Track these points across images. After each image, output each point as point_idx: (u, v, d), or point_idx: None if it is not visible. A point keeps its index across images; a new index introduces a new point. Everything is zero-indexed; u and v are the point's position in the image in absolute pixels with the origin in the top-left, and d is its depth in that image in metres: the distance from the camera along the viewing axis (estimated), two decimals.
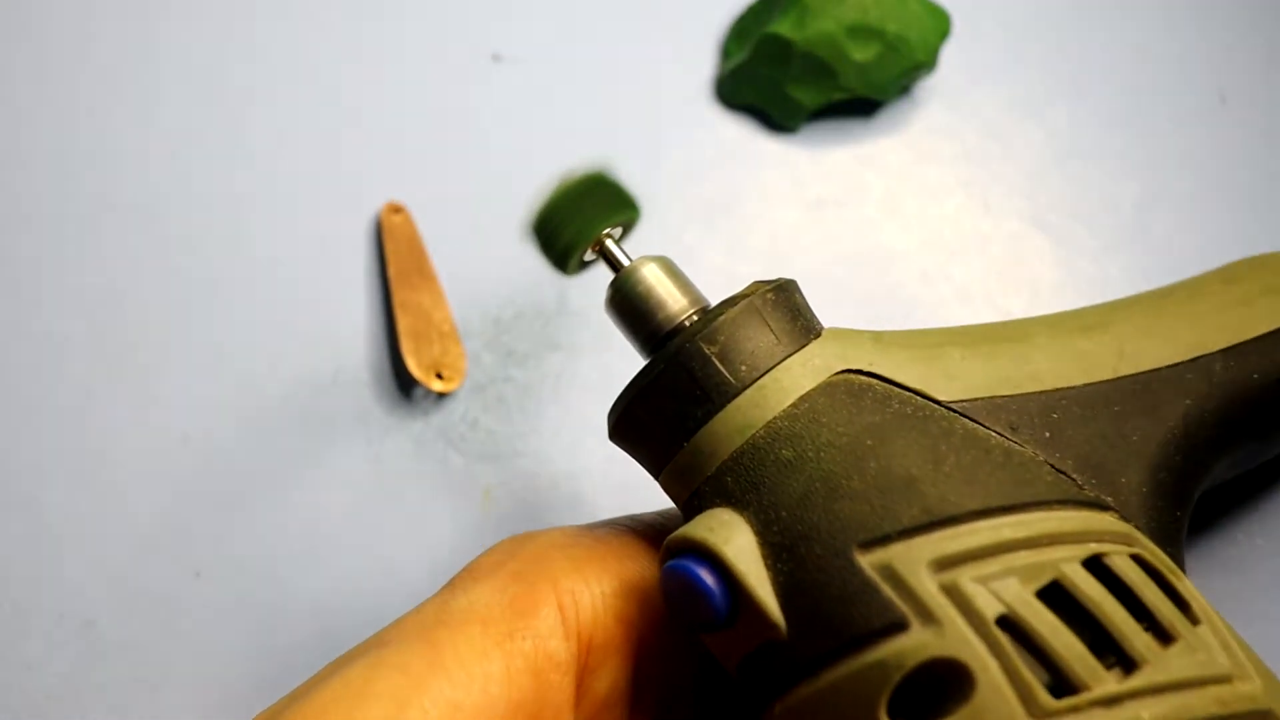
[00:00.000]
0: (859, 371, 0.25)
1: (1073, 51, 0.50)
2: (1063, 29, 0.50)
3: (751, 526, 0.24)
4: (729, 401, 0.25)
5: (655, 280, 0.27)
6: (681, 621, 0.25)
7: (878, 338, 0.26)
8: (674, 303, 0.27)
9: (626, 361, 0.43)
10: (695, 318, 0.27)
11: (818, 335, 0.26)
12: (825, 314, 0.45)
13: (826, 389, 0.25)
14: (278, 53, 0.49)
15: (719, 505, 0.25)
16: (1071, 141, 0.48)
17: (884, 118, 0.48)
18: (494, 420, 0.42)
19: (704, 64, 0.49)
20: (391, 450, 0.42)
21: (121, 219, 0.46)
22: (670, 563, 0.24)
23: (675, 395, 0.26)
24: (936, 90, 0.48)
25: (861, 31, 0.45)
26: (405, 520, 0.41)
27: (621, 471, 0.42)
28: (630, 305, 0.28)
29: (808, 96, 0.46)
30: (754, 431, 0.25)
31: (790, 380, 0.25)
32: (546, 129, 0.47)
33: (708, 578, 0.23)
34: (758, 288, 0.27)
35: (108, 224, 0.46)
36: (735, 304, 0.26)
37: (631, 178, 0.45)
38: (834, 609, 0.23)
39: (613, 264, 0.29)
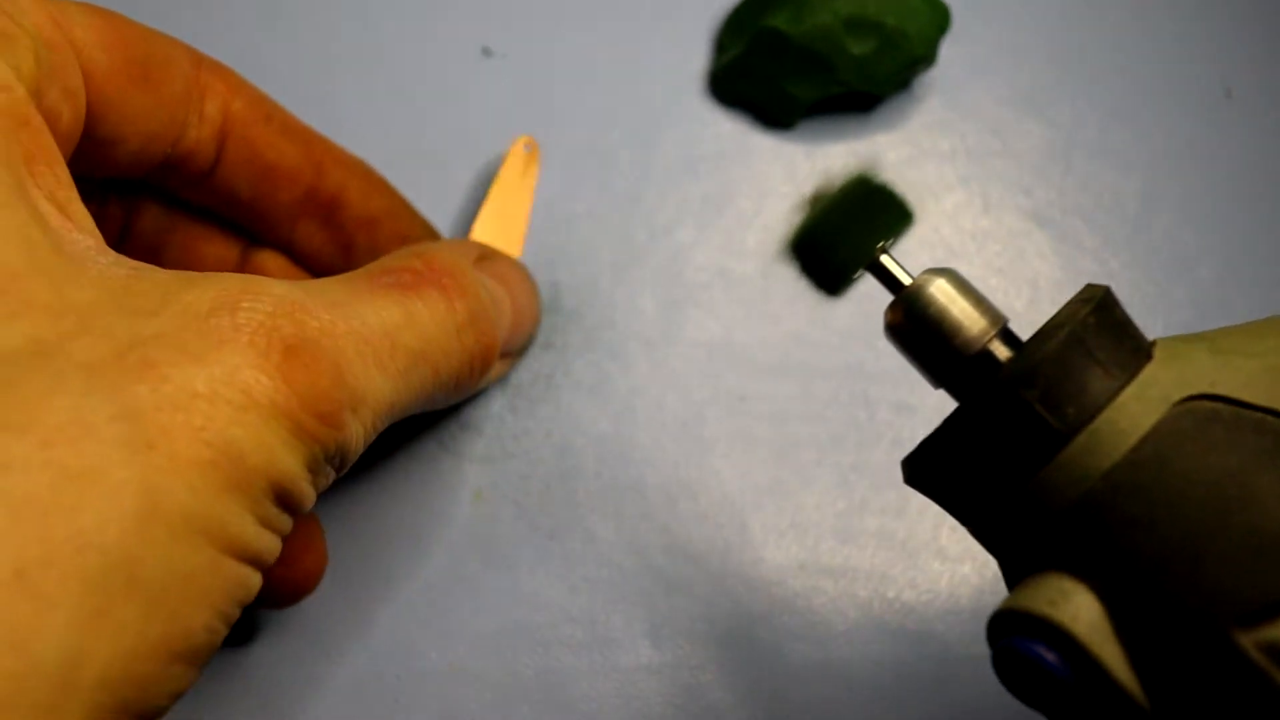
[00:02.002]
0: (1202, 396, 0.22)
1: (1075, 45, 0.49)
2: (1065, 22, 0.50)
3: (1096, 595, 0.21)
4: (1057, 453, 0.22)
5: (948, 299, 0.24)
6: (1022, 699, 0.22)
7: (1213, 345, 0.23)
8: (972, 324, 0.24)
9: (619, 362, 0.42)
10: (997, 340, 0.24)
11: (1149, 355, 0.23)
12: (821, 314, 0.45)
13: (1169, 425, 0.22)
14: (257, 47, 0.48)
15: (1053, 570, 0.22)
16: (1073, 137, 0.47)
17: (882, 113, 0.47)
18: (484, 421, 0.42)
19: (697, 58, 0.48)
20: (380, 450, 0.41)
21: None
22: (1008, 641, 0.22)
23: (992, 448, 0.23)
24: (936, 85, 0.48)
25: (859, 25, 0.44)
26: (394, 521, 0.40)
27: (611, 473, 0.42)
28: (921, 330, 0.24)
29: (804, 91, 0.45)
30: (1090, 484, 0.22)
31: (1127, 420, 0.22)
32: (535, 124, 0.47)
33: (1051, 657, 0.21)
34: (1076, 311, 0.23)
35: None
36: (1052, 335, 0.22)
37: (622, 174, 0.46)
38: (1213, 700, 0.20)
39: (891, 282, 0.25)
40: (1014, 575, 0.23)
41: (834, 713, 0.39)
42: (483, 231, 0.41)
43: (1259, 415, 0.21)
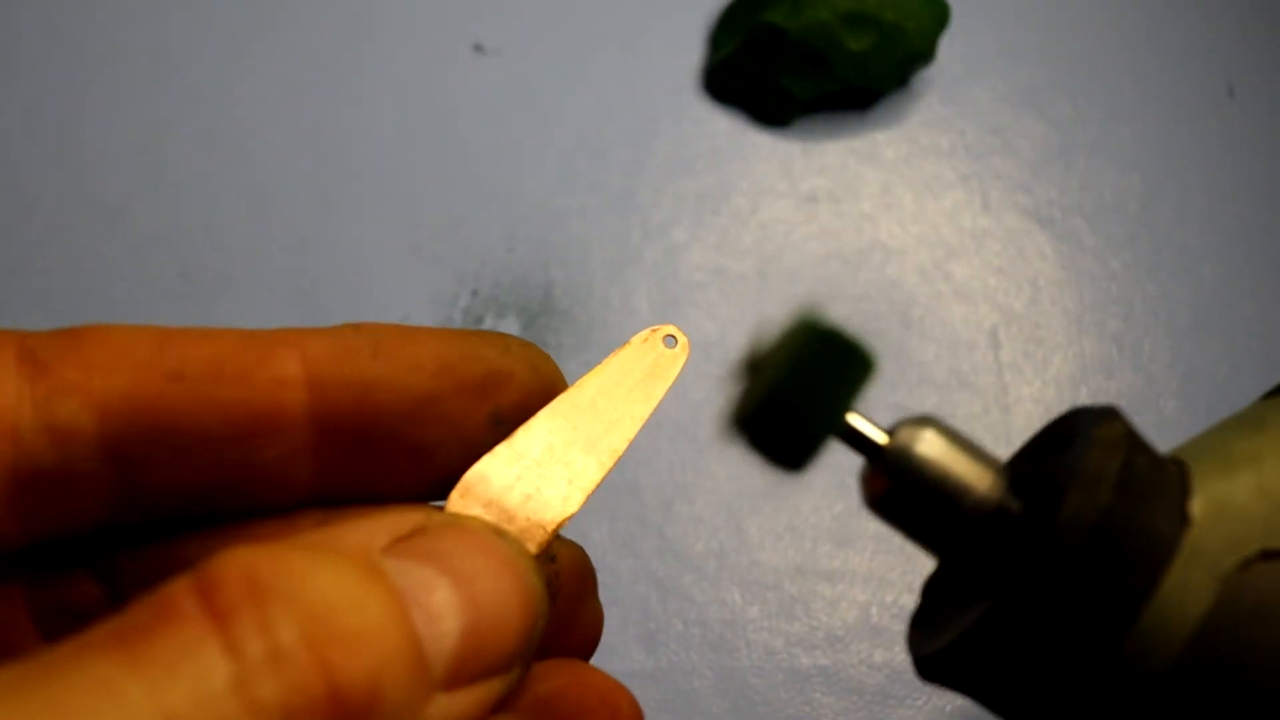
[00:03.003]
0: (1259, 556, 0.19)
1: (1076, 42, 0.49)
2: (1066, 19, 0.50)
3: None
4: (1139, 615, 0.19)
5: (944, 455, 0.20)
6: None
7: (1258, 477, 0.19)
8: (979, 480, 0.20)
9: None
10: (1007, 495, 0.20)
11: (1184, 511, 0.19)
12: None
13: (1227, 606, 0.18)
14: (243, 48, 0.48)
15: None
16: (1074, 134, 0.47)
17: (880, 110, 0.47)
18: None
19: (693, 54, 0.48)
20: None
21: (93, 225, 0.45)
22: None
23: (1063, 622, 0.19)
24: (935, 81, 0.48)
25: (857, 20, 0.44)
26: None
27: None
28: (919, 498, 0.20)
29: (801, 88, 0.45)
30: (1179, 649, 0.19)
31: (1174, 610, 0.18)
32: (529, 122, 0.47)
33: None
34: (1095, 467, 0.19)
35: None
36: (1070, 491, 0.19)
37: (616, 172, 0.46)
38: None
39: (865, 445, 0.21)
40: None
41: (832, 718, 0.39)
42: (551, 426, 0.26)
43: None
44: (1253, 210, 0.46)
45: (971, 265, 0.45)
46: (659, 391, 0.25)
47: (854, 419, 0.20)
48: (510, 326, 0.43)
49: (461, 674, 0.19)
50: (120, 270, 0.44)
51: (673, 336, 0.26)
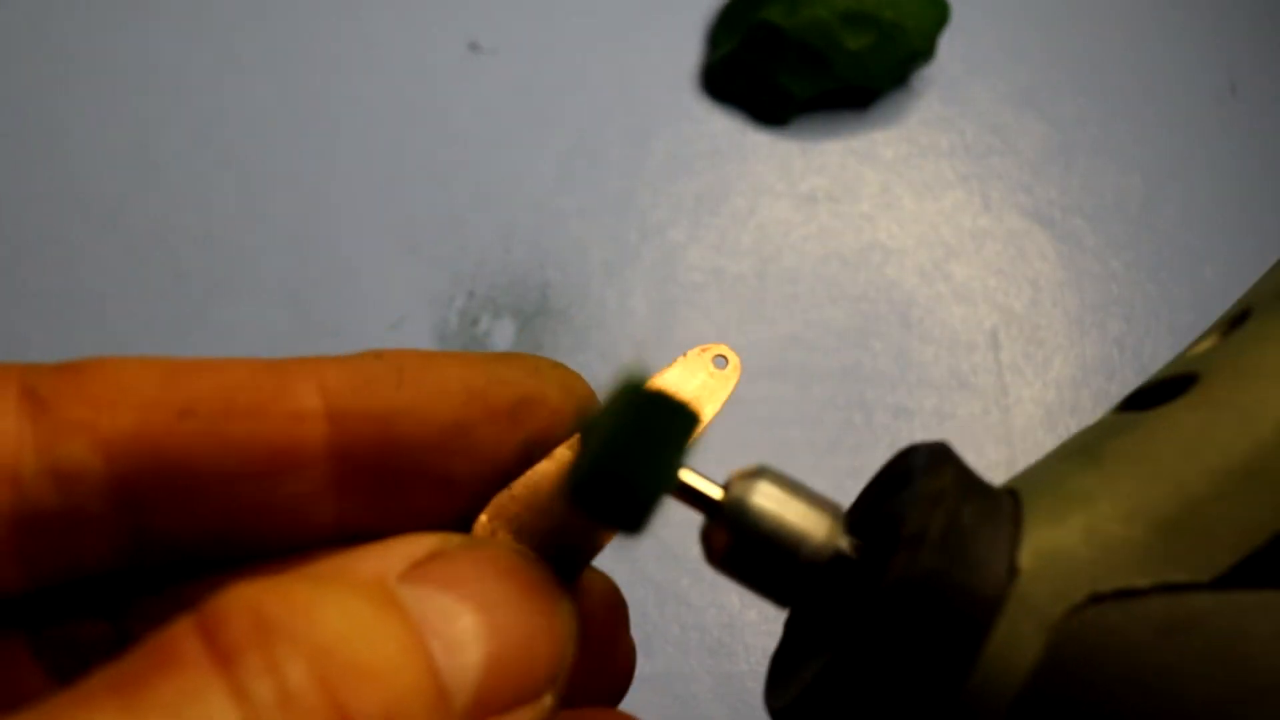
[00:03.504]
0: (1087, 603, 0.19)
1: (1077, 40, 0.49)
2: (1066, 17, 0.50)
3: None
4: (939, 713, 0.19)
5: (779, 505, 0.20)
6: None
7: (1087, 520, 0.19)
8: (815, 528, 0.20)
9: (608, 364, 0.42)
10: (844, 537, 0.20)
11: (1012, 562, 0.19)
12: (818, 314, 0.45)
13: (1057, 653, 0.18)
14: (244, 46, 0.48)
15: None
16: (1075, 133, 0.48)
17: (879, 109, 0.47)
18: None
19: (690, 53, 0.48)
20: None
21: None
22: None
23: (906, 666, 0.19)
24: (934, 80, 0.48)
25: (856, 18, 0.44)
26: None
27: None
28: (757, 552, 0.20)
29: (800, 87, 0.45)
30: (1018, 689, 0.19)
31: (1004, 662, 0.19)
32: (525, 121, 0.47)
33: None
34: (917, 525, 0.19)
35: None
36: (895, 552, 0.19)
37: (613, 172, 0.45)
38: None
39: (701, 501, 0.21)
40: None
41: None
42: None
43: (1147, 602, 0.19)
44: (1256, 210, 0.46)
45: (971, 266, 0.45)
46: (707, 415, 0.23)
47: (686, 476, 0.20)
48: (506, 328, 0.43)
49: (488, 705, 0.18)
50: (113, 273, 0.44)
51: (723, 357, 0.24)
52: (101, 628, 0.21)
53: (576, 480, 0.20)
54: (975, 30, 0.48)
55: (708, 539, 0.20)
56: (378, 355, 0.21)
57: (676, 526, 0.40)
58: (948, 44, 0.47)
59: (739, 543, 0.20)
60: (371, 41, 0.48)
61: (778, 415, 0.42)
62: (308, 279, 0.44)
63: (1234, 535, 0.19)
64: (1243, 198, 0.46)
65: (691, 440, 0.20)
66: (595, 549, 0.21)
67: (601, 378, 0.44)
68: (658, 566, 0.40)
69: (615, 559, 0.40)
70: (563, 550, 0.21)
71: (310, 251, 0.45)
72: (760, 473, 0.20)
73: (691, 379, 0.24)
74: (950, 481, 0.19)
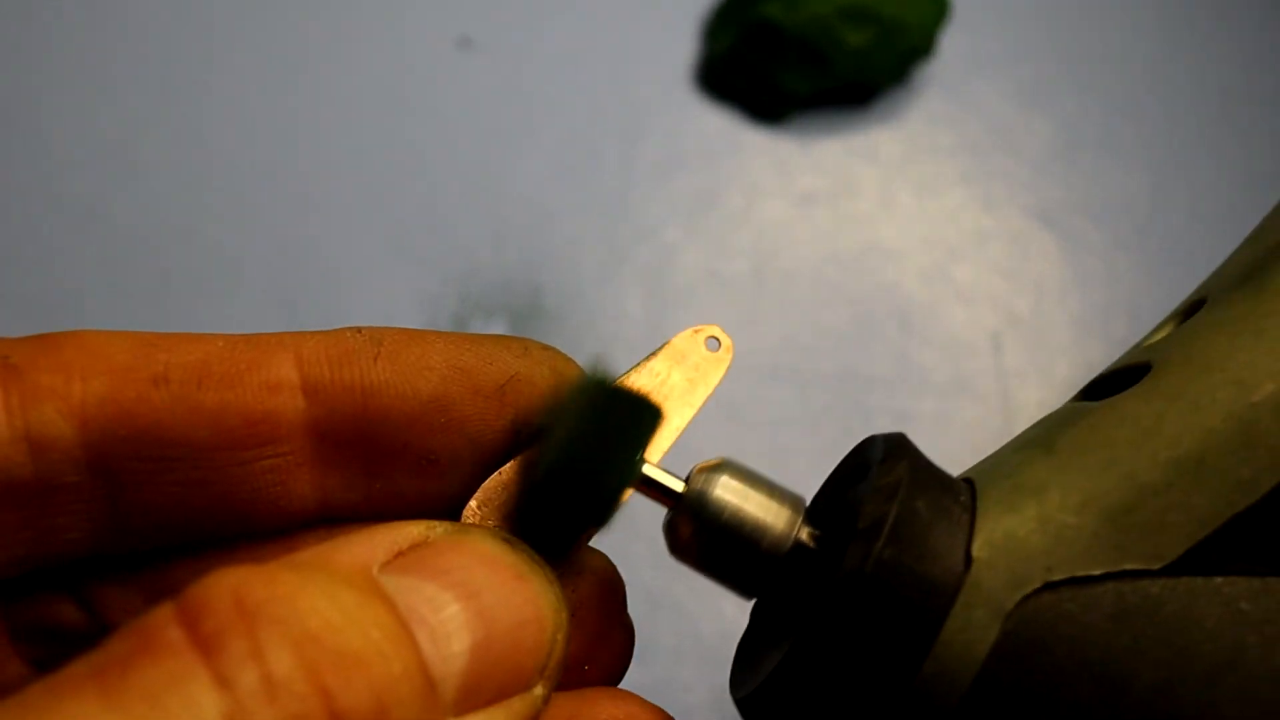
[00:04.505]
0: (1040, 590, 0.19)
1: (1080, 38, 0.49)
2: (1069, 13, 0.50)
3: None
4: (933, 644, 0.19)
5: (740, 497, 0.21)
6: None
7: (1041, 502, 0.20)
8: (776, 519, 0.21)
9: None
10: (805, 528, 0.21)
11: (967, 551, 0.20)
12: (816, 317, 0.44)
13: (1011, 640, 0.19)
14: (229, 42, 0.48)
15: None
16: (1079, 131, 0.48)
17: (879, 107, 0.48)
18: None
19: (686, 48, 0.48)
20: None
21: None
22: None
23: (862, 656, 0.20)
24: (935, 78, 0.48)
25: (856, 14, 0.44)
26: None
27: None
28: (719, 542, 0.21)
29: (798, 83, 0.46)
30: (972, 677, 0.19)
31: (959, 649, 0.19)
32: (517, 118, 0.47)
33: None
34: (872, 516, 0.20)
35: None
36: (851, 542, 0.20)
37: (607, 170, 0.45)
38: None
39: (663, 492, 0.21)
40: None
41: None
42: None
43: (1100, 589, 0.19)
44: (1258, 205, 0.46)
45: (973, 267, 0.45)
46: (699, 398, 0.24)
47: (649, 469, 0.21)
48: (498, 329, 0.43)
49: (476, 695, 0.18)
50: (94, 273, 0.44)
51: (715, 339, 0.24)
52: (80, 615, 0.21)
53: (538, 474, 0.20)
54: (977, 26, 0.49)
55: (671, 530, 0.21)
56: (358, 330, 0.21)
57: None
58: (949, 40, 0.48)
59: (701, 534, 0.21)
60: (359, 37, 0.48)
61: (775, 419, 0.42)
62: (295, 279, 0.44)
63: (1184, 524, 0.19)
64: (1251, 197, 0.46)
65: (652, 434, 0.21)
66: (587, 534, 0.21)
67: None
68: (653, 574, 0.40)
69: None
70: (554, 535, 0.21)
71: (298, 251, 0.45)
72: (723, 466, 0.21)
73: (683, 361, 0.24)
74: (905, 473, 0.20)
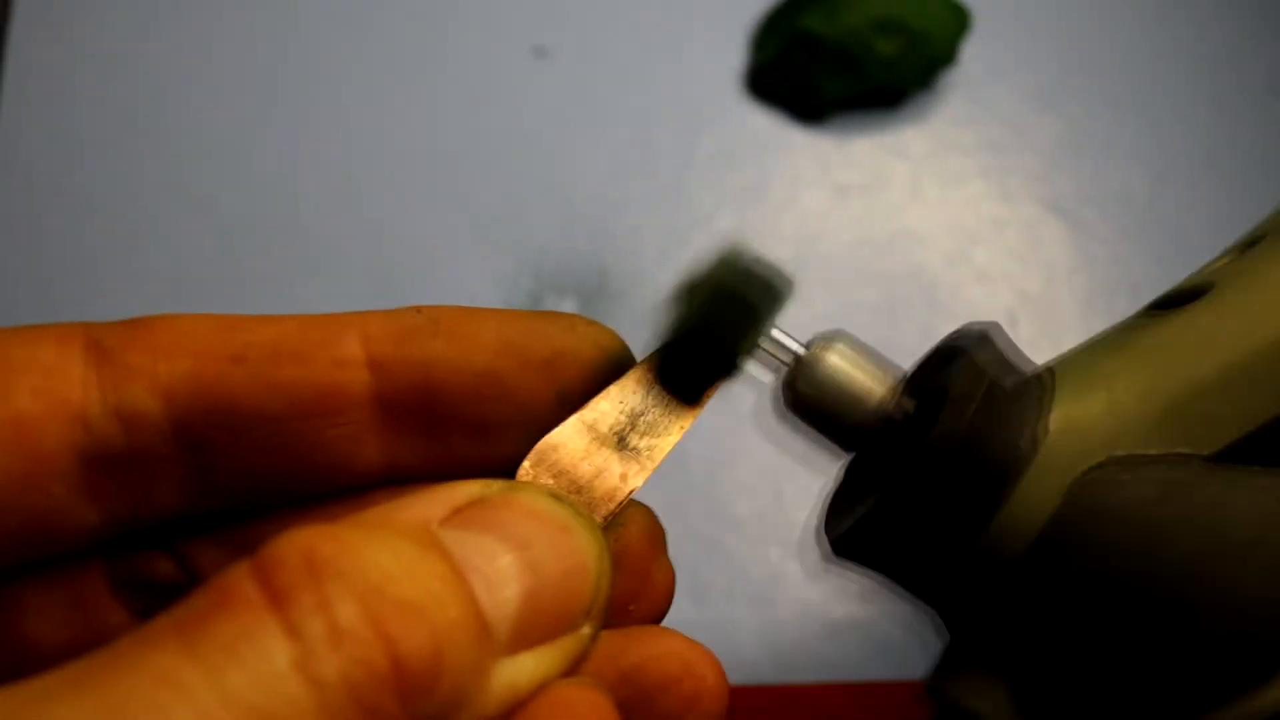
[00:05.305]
0: (1102, 464, 0.20)
1: (1089, 46, 0.50)
2: (1078, 25, 0.51)
3: (1008, 693, 0.21)
4: (998, 510, 0.21)
5: (850, 365, 0.22)
6: None
7: (1109, 389, 0.21)
8: (879, 385, 0.22)
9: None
10: (903, 400, 0.22)
11: (1051, 392, 0.21)
12: (852, 295, 0.46)
13: (1072, 506, 0.20)
14: (334, 53, 0.50)
15: (977, 670, 0.22)
16: (1087, 130, 0.49)
17: (907, 108, 0.49)
18: None
19: (735, 57, 0.50)
20: None
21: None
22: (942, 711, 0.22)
23: (938, 511, 0.21)
24: (957, 83, 0.49)
25: (887, 26, 0.46)
26: None
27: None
28: (830, 402, 0.22)
29: (835, 87, 0.47)
30: (1027, 546, 0.21)
31: (1026, 510, 0.20)
32: (585, 119, 0.48)
33: None
34: (962, 390, 0.21)
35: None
36: (942, 410, 0.21)
37: (666, 165, 0.47)
38: None
39: (785, 354, 0.23)
40: (960, 627, 0.23)
41: (863, 665, 0.40)
42: (622, 400, 0.24)
43: (1153, 468, 0.20)
44: (1251, 200, 0.46)
45: (991, 251, 0.46)
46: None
47: (776, 333, 0.22)
48: (569, 308, 0.44)
49: (528, 636, 0.18)
50: (209, 256, 0.46)
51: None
52: (174, 568, 0.22)
53: (680, 331, 0.22)
54: (995, 37, 0.50)
55: (790, 387, 0.22)
56: (418, 310, 0.21)
57: (724, 489, 0.42)
58: (970, 50, 0.49)
59: (813, 392, 0.22)
60: (447, 48, 0.50)
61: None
62: (388, 262, 0.46)
63: (1233, 419, 0.20)
64: (1238, 189, 0.48)
65: (781, 305, 0.22)
66: (629, 493, 0.22)
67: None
68: (707, 523, 0.42)
69: (668, 518, 0.42)
70: (599, 491, 0.21)
71: (390, 238, 0.46)
72: (838, 335, 0.22)
73: None
74: (993, 357, 0.22)
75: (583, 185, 0.47)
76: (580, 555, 0.20)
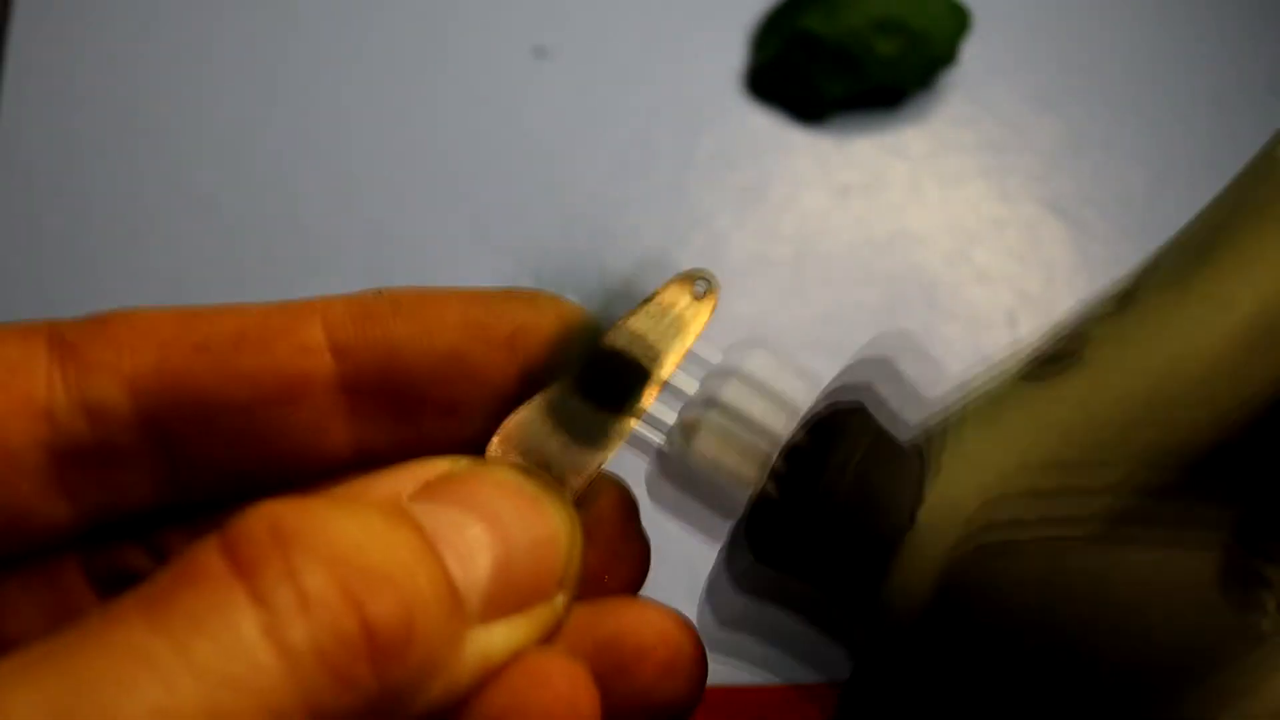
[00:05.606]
0: (973, 550, 0.21)
1: (1088, 47, 0.51)
2: (1077, 26, 0.51)
3: None
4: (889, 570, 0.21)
5: (718, 446, 0.22)
6: None
7: (981, 466, 0.22)
8: (748, 467, 0.22)
9: None
10: (771, 486, 0.22)
11: (913, 515, 0.21)
12: (852, 295, 0.46)
13: (945, 596, 0.21)
14: (332, 53, 0.50)
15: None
16: (1086, 131, 0.49)
17: (907, 108, 0.49)
18: None
19: (735, 57, 0.50)
20: None
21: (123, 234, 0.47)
22: None
23: (837, 559, 0.22)
24: (957, 82, 0.50)
25: (887, 26, 0.46)
26: None
27: None
28: (695, 492, 0.23)
29: (835, 87, 0.48)
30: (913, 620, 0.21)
31: (903, 593, 0.21)
32: (585, 119, 0.49)
33: None
34: (836, 474, 0.21)
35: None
36: (819, 495, 0.21)
37: (665, 164, 0.47)
38: None
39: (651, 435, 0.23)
40: (864, 669, 0.23)
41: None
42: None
43: (1024, 550, 0.21)
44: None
45: (991, 251, 0.47)
46: (686, 341, 0.23)
47: (635, 424, 0.22)
48: None
49: (500, 605, 0.19)
50: (210, 256, 0.46)
51: (705, 280, 0.24)
52: (150, 560, 0.22)
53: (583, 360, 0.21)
54: (994, 38, 0.50)
55: (654, 481, 0.23)
56: (379, 292, 0.21)
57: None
58: (970, 50, 0.49)
59: (682, 484, 0.22)
60: (447, 48, 0.50)
61: (813, 389, 0.44)
62: (388, 262, 0.46)
63: (1102, 496, 0.20)
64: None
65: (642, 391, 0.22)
66: (597, 466, 0.22)
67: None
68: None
69: (669, 517, 0.42)
70: (567, 465, 0.22)
71: (389, 238, 0.47)
72: (713, 399, 0.22)
73: (675, 306, 0.24)
74: (867, 432, 0.22)
75: (583, 185, 0.47)
76: (550, 526, 0.20)
